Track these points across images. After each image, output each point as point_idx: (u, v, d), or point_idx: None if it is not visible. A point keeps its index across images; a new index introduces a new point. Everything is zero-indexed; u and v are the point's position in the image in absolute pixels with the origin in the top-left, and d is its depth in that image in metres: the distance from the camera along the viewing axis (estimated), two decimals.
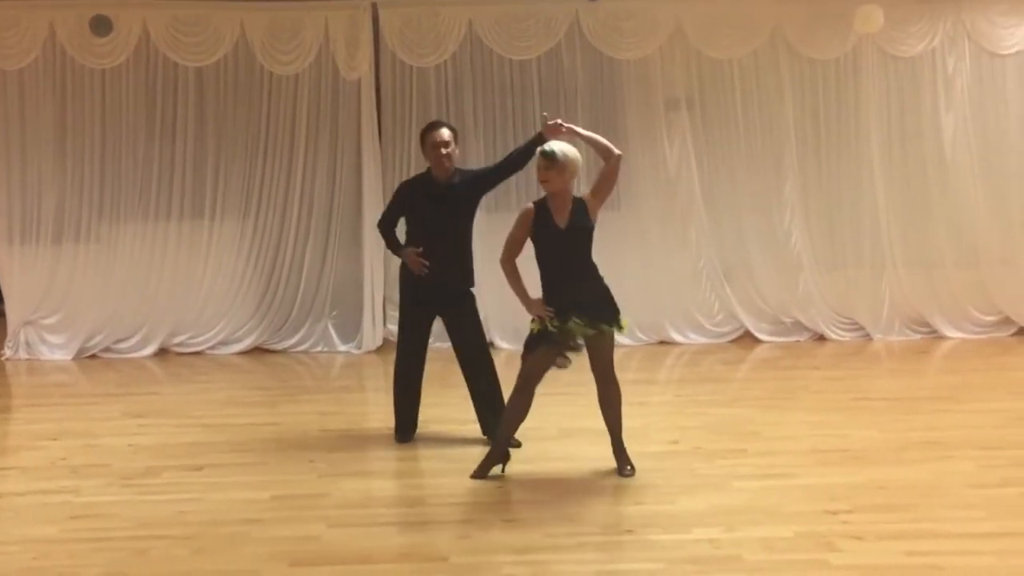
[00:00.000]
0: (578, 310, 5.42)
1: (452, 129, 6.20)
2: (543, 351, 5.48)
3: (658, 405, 7.40)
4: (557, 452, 6.09)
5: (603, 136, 5.66)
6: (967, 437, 6.24)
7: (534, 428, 6.50)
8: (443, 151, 6.08)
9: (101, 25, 9.37)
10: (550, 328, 5.41)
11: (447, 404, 7.02)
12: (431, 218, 6.16)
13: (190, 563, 4.50)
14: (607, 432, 5.68)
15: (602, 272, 5.57)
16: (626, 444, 5.66)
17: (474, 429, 6.41)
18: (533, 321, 5.52)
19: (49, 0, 9.34)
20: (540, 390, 7.41)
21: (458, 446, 6.24)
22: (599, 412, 5.70)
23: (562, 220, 5.46)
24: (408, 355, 6.37)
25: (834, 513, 4.91)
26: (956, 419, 6.73)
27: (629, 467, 5.61)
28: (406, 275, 6.29)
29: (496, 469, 5.64)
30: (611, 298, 5.55)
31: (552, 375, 5.64)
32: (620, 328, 5.57)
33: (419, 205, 6.21)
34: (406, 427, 6.41)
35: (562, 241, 5.47)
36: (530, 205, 5.57)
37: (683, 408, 7.24)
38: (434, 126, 6.21)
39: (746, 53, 9.66)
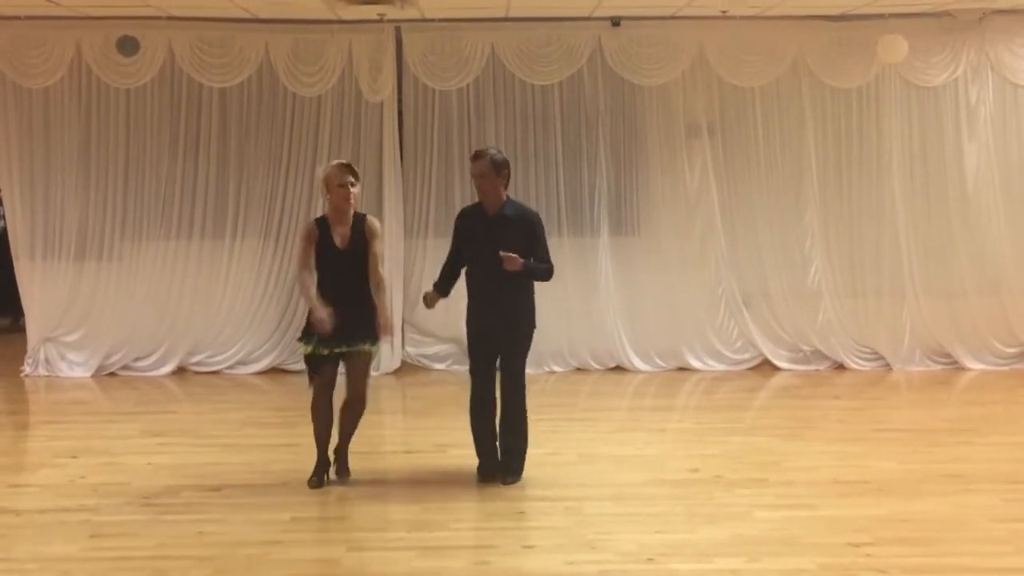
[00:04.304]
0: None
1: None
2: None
3: (677, 432, 7.36)
4: (576, 478, 6.05)
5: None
6: (990, 470, 6.19)
7: (552, 453, 6.50)
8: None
9: (127, 45, 9.45)
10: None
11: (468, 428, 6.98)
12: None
13: None
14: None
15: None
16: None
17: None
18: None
19: (76, 20, 9.43)
20: (558, 414, 7.39)
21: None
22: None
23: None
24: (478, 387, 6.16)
25: (857, 546, 4.86)
26: (978, 452, 6.68)
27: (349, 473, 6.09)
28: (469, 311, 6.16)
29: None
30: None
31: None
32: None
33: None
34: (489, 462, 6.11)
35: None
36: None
37: (702, 436, 7.18)
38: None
39: (768, 81, 9.66)
